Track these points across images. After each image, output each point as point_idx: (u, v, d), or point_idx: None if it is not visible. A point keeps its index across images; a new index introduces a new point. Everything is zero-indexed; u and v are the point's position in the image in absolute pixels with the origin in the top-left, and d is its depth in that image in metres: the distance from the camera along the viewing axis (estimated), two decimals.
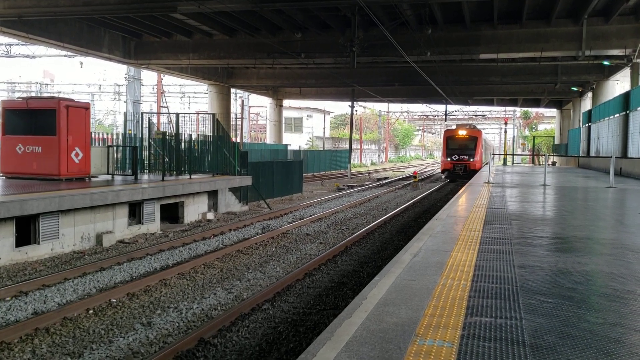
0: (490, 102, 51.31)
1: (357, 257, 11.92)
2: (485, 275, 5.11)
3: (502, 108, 71.07)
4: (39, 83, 76.00)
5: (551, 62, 28.82)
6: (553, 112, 55.93)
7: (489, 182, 18.12)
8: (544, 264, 5.71)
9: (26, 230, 10.84)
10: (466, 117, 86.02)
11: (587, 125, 32.81)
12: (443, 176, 38.19)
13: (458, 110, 68.39)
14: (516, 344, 3.39)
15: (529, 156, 54.25)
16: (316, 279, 9.91)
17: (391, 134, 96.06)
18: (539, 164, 44.07)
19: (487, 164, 36.52)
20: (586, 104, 37.91)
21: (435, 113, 73.73)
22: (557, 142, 50.16)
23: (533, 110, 69.42)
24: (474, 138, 36.25)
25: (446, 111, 51.35)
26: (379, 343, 3.28)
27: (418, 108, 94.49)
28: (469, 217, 9.30)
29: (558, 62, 28.63)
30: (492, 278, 5.02)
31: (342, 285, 9.50)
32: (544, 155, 29.02)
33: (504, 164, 42.10)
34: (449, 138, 36.99)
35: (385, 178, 40.79)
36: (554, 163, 43.46)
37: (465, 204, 11.54)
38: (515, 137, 64.19)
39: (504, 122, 51.89)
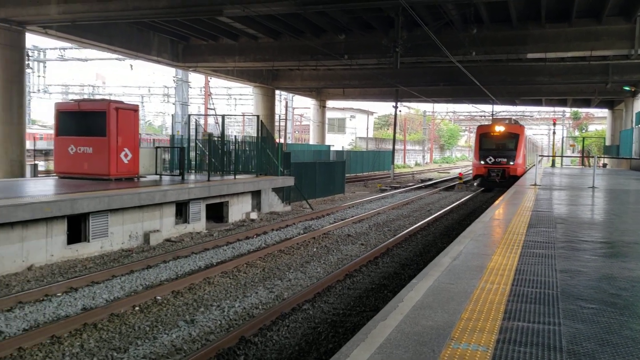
0: (538, 103, 50.18)
1: (398, 259, 11.89)
2: (525, 280, 5.06)
3: (551, 108, 69.28)
4: (92, 85, 78.52)
5: (602, 61, 27.96)
6: (604, 112, 54.21)
7: (535, 185, 17.77)
8: (588, 268, 5.60)
9: (77, 229, 11.25)
10: (513, 117, 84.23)
11: None
12: (475, 183, 30.60)
13: (505, 111, 67.10)
14: (553, 349, 3.36)
15: (578, 158, 52.77)
16: (357, 280, 9.94)
17: (436, 134, 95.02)
18: (589, 166, 42.79)
19: (532, 167, 34.52)
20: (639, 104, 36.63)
21: (481, 113, 72.54)
22: (608, 143, 48.59)
23: (583, 111, 67.54)
24: (514, 136, 29.37)
25: (493, 111, 50.29)
26: (413, 346, 3.31)
27: (464, 108, 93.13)
28: (513, 220, 9.17)
29: (609, 61, 27.76)
30: (533, 282, 4.96)
31: (382, 287, 9.50)
32: (594, 157, 27.09)
33: (552, 165, 41.10)
34: (483, 136, 30.00)
35: (430, 179, 40.40)
36: (604, 165, 42.11)
37: (510, 207, 11.37)
38: (564, 138, 62.56)
39: (552, 122, 50.59)
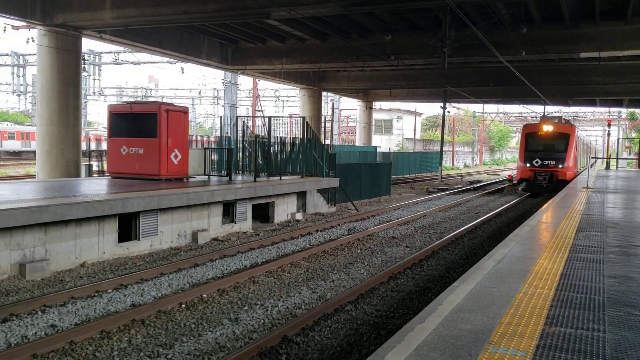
0: (592, 103, 48.57)
1: (444, 262, 11.76)
2: (570, 285, 4.94)
3: (606, 109, 66.93)
4: (144, 88, 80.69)
5: None
6: None
7: (587, 187, 17.25)
8: (639, 274, 5.42)
9: (128, 227, 11.60)
10: (566, 118, 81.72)
11: None
12: (519, 188, 28.25)
13: (558, 112, 65.22)
14: (596, 357, 3.28)
15: (635, 160, 50.75)
16: (400, 282, 9.90)
17: (486, 135, 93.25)
18: None
19: (584, 170, 32.92)
20: None
21: (533, 114, 70.75)
22: None
23: None
24: (565, 136, 27.12)
25: (544, 112, 48.95)
26: (450, 349, 3.29)
27: (515, 109, 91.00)
28: (562, 224, 8.95)
29: None
30: (578, 287, 4.84)
31: (426, 290, 9.42)
32: None
33: (607, 168, 39.75)
34: (529, 136, 27.79)
35: (479, 181, 39.73)
36: None
37: (560, 210, 11.08)
38: (620, 139, 60.36)
39: (607, 123, 48.90)
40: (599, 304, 4.38)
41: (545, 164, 26.68)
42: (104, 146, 21.83)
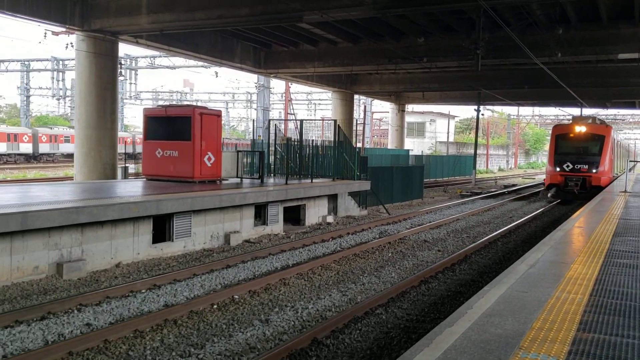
0: (631, 105, 47.30)
1: (476, 267, 11.62)
2: (605, 290, 4.83)
3: None
4: (179, 92, 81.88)
5: None
6: None
7: (625, 191, 16.83)
8: None
9: (162, 228, 11.80)
10: (601, 118, 79.80)
11: None
12: (549, 194, 25.44)
13: (595, 114, 63.77)
14: None
15: None
16: (432, 286, 9.82)
17: (521, 138, 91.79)
18: None
19: (622, 174, 31.44)
20: None
21: (569, 117, 69.31)
22: None
23: None
24: (599, 138, 24.84)
25: (581, 115, 47.87)
26: (479, 353, 3.26)
27: (551, 112, 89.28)
28: (597, 228, 8.75)
29: None
30: (613, 293, 4.74)
31: (458, 295, 9.33)
32: None
33: None
34: (560, 137, 25.55)
35: (513, 185, 39.12)
36: None
37: (596, 214, 10.84)
38: None
39: None
40: (634, 310, 4.28)
41: (577, 169, 24.39)
42: (139, 149, 22.31)
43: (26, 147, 51.45)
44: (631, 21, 20.02)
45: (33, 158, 52.18)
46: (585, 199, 21.14)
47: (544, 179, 27.70)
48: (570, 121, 28.10)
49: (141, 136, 56.19)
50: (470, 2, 16.30)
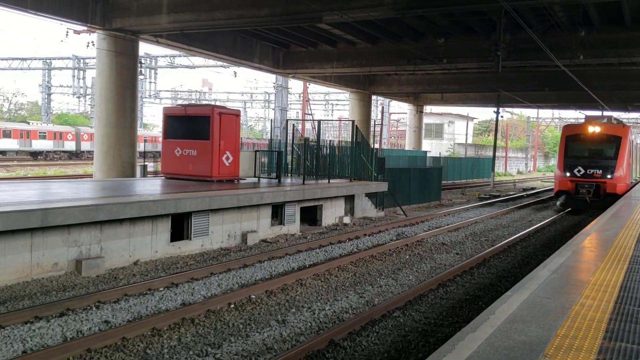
0: None
1: (495, 271, 11.49)
2: (631, 297, 4.72)
3: None
4: (198, 91, 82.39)
5: None
6: None
7: None
8: None
9: (180, 227, 11.84)
10: (618, 118, 78.53)
11: None
12: (558, 202, 22.94)
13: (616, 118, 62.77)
14: None
15: None
16: (450, 290, 9.72)
17: (540, 141, 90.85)
18: None
19: (638, 182, 29.74)
20: None
21: None
22: None
23: None
24: (615, 139, 22.17)
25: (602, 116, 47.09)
26: None
27: (571, 114, 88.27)
28: (620, 234, 8.59)
29: None
30: None
31: (477, 299, 9.22)
32: None
33: None
34: (571, 139, 22.89)
35: (532, 188, 38.72)
36: None
37: (618, 220, 10.66)
38: None
39: None
40: None
41: (590, 174, 21.74)
42: (159, 148, 22.51)
43: (70, 145, 54.72)
44: None
45: (75, 155, 55.13)
46: (599, 208, 19.36)
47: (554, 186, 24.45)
48: (584, 120, 25.05)
49: (153, 134, 57.62)
50: (492, 3, 16.14)
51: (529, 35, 17.40)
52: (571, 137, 22.89)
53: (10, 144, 49.73)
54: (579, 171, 21.93)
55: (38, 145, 51.62)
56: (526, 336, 3.64)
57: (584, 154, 22.26)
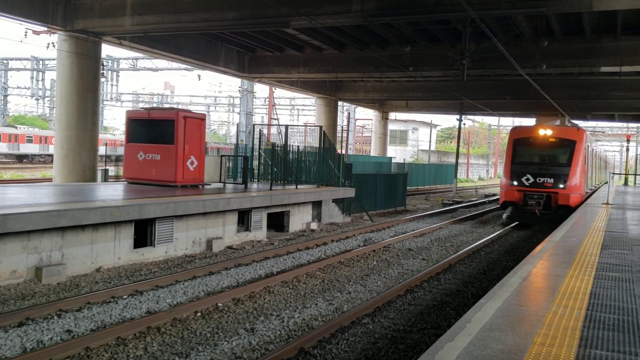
0: (611, 118, 48.03)
1: (461, 276, 11.58)
2: (602, 305, 4.78)
3: (624, 124, 66.21)
4: (161, 94, 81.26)
5: None
6: None
7: (607, 204, 16.97)
8: None
9: (143, 233, 11.56)
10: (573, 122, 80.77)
11: None
12: (504, 216, 20.94)
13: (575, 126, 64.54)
14: None
15: None
16: (418, 295, 9.74)
17: (501, 148, 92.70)
18: None
19: (602, 186, 30.13)
20: None
21: None
22: None
23: None
24: (569, 144, 19.70)
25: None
26: None
27: (531, 122, 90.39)
28: (585, 241, 8.76)
29: None
30: (610, 308, 4.68)
31: (444, 305, 9.26)
32: None
33: (625, 184, 39.28)
34: (519, 143, 20.50)
35: (494, 194, 39.39)
36: None
37: (581, 227, 10.87)
38: (638, 155, 59.67)
39: (626, 139, 48.33)
40: (633, 325, 4.22)
41: (540, 183, 19.30)
42: (120, 151, 22.03)
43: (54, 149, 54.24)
44: (613, 35, 20.31)
45: None
46: (550, 222, 18.12)
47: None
48: (534, 124, 22.75)
49: (112, 138, 57.00)
50: (458, 12, 16.36)
51: (494, 45, 17.68)
52: (519, 140, 20.55)
53: (0, 148, 51.31)
54: (527, 180, 19.50)
55: (25, 149, 53.13)
56: (504, 344, 3.62)
57: (533, 160, 19.96)
